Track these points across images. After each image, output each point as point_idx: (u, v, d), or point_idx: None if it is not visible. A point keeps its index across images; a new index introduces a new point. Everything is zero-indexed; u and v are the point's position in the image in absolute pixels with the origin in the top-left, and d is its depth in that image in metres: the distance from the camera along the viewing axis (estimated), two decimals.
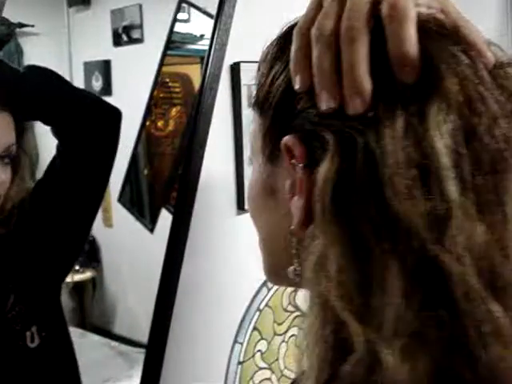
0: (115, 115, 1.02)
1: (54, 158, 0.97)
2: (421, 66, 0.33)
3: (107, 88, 1.34)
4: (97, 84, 1.33)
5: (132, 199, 1.45)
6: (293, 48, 0.38)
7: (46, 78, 0.95)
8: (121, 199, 1.39)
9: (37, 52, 1.23)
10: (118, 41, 1.38)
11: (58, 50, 1.35)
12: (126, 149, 1.31)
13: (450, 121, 0.32)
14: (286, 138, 0.38)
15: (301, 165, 0.37)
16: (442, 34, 0.35)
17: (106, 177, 1.04)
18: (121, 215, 1.40)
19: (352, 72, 0.34)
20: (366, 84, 0.34)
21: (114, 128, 1.01)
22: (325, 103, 0.36)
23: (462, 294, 0.30)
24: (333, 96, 0.35)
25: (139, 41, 1.37)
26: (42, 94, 0.91)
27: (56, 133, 0.96)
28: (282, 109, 0.40)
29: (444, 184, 0.31)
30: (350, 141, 0.34)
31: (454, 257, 0.30)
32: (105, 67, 1.37)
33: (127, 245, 1.43)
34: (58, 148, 0.97)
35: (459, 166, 0.31)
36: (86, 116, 0.97)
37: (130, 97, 1.35)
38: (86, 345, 1.21)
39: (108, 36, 1.37)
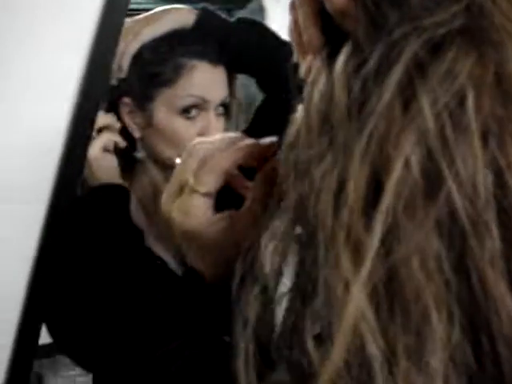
0: None
1: (259, 109, 1.01)
2: None
3: None
4: None
5: None
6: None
7: (254, 30, 0.93)
8: None
9: (279, 10, 1.22)
10: None
11: None
12: None
13: None
14: None
15: None
16: None
17: None
18: None
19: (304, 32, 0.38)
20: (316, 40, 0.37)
21: None
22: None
23: None
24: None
25: None
26: (250, 46, 0.90)
27: (262, 85, 0.97)
28: None
29: None
30: None
31: None
32: None
33: None
34: (264, 100, 1.00)
35: None
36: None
37: None
38: None
39: None
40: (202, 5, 0.91)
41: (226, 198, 0.47)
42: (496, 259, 0.28)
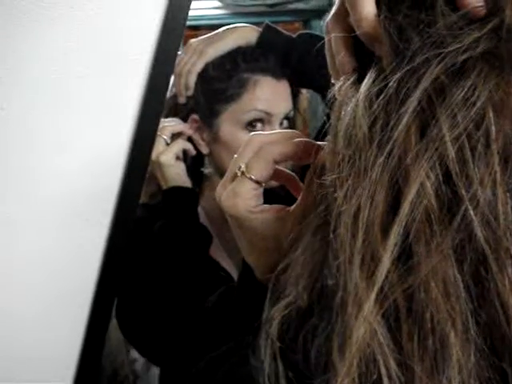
0: None
1: (323, 126, 1.02)
2: None
3: None
4: None
5: None
6: None
7: (315, 45, 0.91)
8: None
9: None
10: None
11: None
12: None
13: None
14: None
15: None
16: None
17: None
18: None
19: None
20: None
21: None
22: None
23: None
24: None
25: None
26: (311, 61, 0.89)
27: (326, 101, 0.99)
28: None
29: None
30: None
31: None
32: None
33: None
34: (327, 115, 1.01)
35: None
36: None
37: None
38: None
39: None
40: (266, 21, 0.93)
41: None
42: None
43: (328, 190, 0.34)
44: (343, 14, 0.38)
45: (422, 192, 0.29)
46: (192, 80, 0.88)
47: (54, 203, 0.67)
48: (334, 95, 0.38)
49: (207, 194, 0.95)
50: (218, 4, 2.13)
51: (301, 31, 0.97)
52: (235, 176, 0.47)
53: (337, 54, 0.38)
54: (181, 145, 0.88)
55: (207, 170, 0.93)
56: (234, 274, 0.88)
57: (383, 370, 0.29)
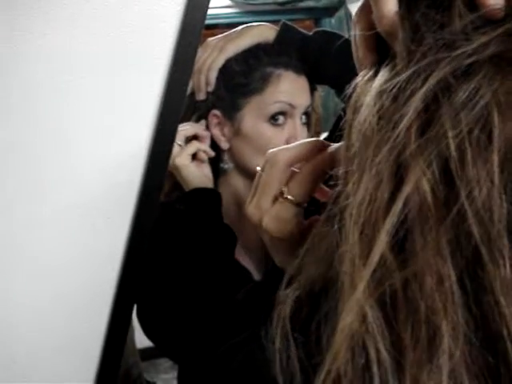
0: None
1: (340, 118, 1.03)
2: None
3: None
4: None
5: None
6: None
7: (332, 42, 0.91)
8: None
9: None
10: None
11: None
12: None
13: None
14: None
15: None
16: None
17: None
18: None
19: None
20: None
21: None
22: None
23: None
24: None
25: None
26: (328, 58, 0.91)
27: (340, 96, 0.94)
28: None
29: None
30: None
31: None
32: None
33: None
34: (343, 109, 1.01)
35: None
36: None
37: None
38: None
39: None
40: (282, 20, 0.94)
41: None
42: (509, 286, 0.28)
43: (339, 183, 0.35)
44: (368, 10, 0.38)
45: (418, 187, 0.30)
46: (213, 76, 0.88)
47: (74, 202, 0.67)
48: (353, 90, 0.38)
49: (223, 189, 0.94)
50: (229, 3, 2.13)
51: (316, 29, 0.98)
52: (276, 199, 0.47)
53: (359, 47, 0.39)
54: (195, 146, 0.89)
55: (226, 165, 0.93)
56: (254, 272, 0.89)
57: (372, 356, 0.30)
